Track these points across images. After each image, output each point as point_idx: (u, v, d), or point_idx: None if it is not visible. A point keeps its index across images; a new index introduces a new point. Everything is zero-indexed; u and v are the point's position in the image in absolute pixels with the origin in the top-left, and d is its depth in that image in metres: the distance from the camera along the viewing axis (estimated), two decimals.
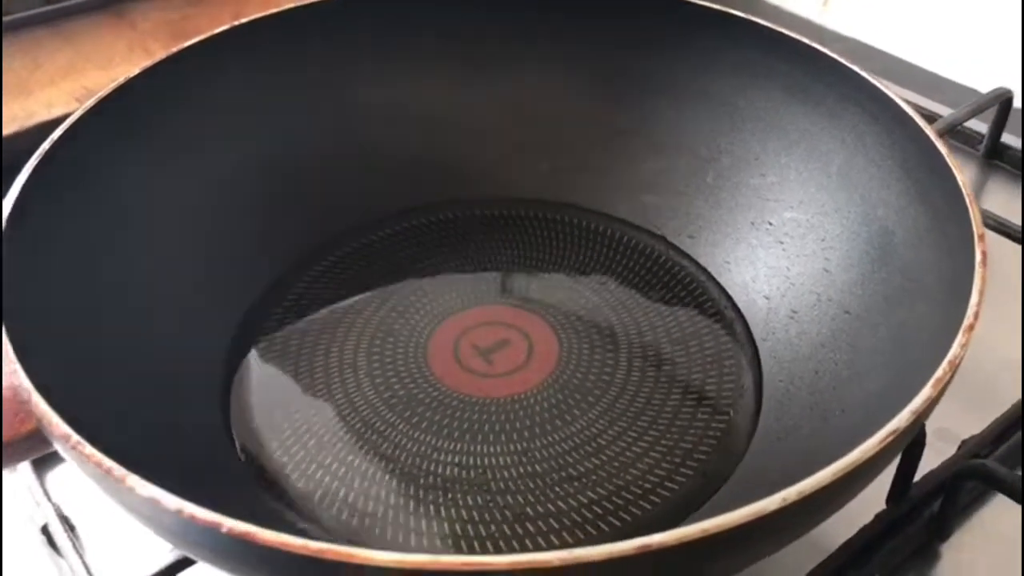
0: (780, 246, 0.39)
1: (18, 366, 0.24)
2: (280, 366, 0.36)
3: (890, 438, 0.23)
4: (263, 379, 0.36)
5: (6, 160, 0.45)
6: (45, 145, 0.32)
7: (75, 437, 0.23)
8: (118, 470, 0.22)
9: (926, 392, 0.24)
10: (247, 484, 0.32)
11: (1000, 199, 0.29)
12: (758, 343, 0.37)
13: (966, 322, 0.26)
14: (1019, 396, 0.36)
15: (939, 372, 0.24)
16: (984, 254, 0.28)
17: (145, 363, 0.32)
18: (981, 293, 0.26)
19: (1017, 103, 0.47)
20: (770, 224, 0.39)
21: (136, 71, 0.36)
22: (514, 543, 0.30)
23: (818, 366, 0.34)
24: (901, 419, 0.23)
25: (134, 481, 0.22)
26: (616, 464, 0.33)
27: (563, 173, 0.44)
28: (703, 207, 0.41)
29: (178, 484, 0.22)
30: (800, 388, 0.34)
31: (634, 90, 0.43)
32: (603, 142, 0.44)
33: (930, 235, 0.32)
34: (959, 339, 0.25)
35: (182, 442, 0.32)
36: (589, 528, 0.31)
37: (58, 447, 0.24)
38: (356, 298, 0.39)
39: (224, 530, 0.20)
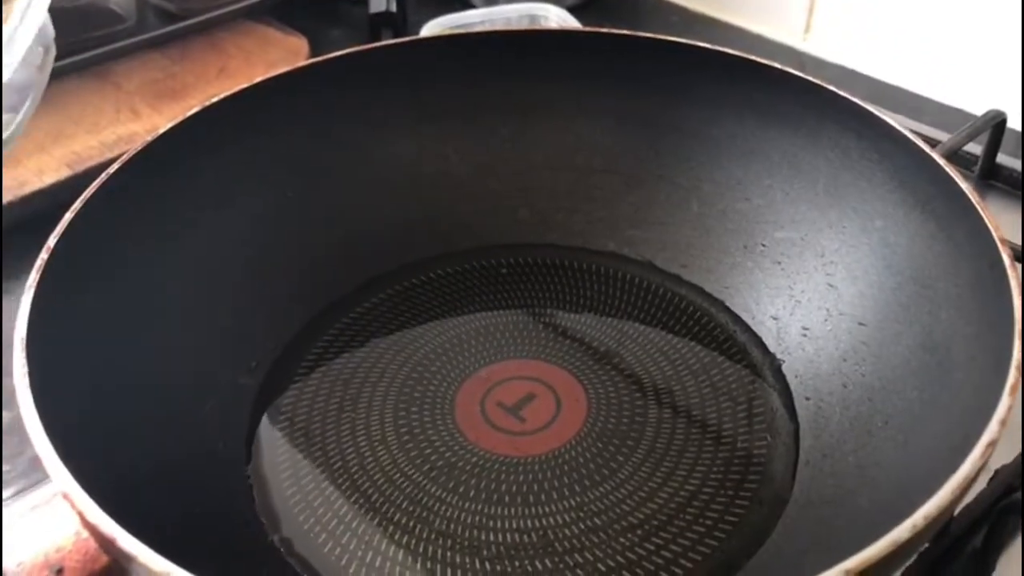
0: (778, 266, 0.40)
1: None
2: (307, 453, 0.35)
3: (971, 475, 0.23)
4: (292, 464, 0.34)
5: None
6: (60, 226, 0.31)
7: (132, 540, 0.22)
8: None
9: (1004, 402, 0.25)
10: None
11: (1000, 221, 0.29)
12: (777, 363, 0.37)
13: (1018, 325, 0.27)
14: None
15: (1011, 379, 0.25)
16: (1011, 257, 0.29)
17: (171, 448, 0.32)
18: (1021, 300, 0.27)
19: (1011, 125, 0.49)
20: (763, 246, 0.40)
21: (161, 130, 0.36)
22: None
23: (845, 380, 0.35)
24: (974, 459, 0.24)
25: None
26: (673, 505, 0.33)
27: (543, 217, 0.44)
28: (692, 235, 0.42)
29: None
30: (832, 404, 0.35)
31: (605, 129, 0.44)
32: (580, 183, 0.44)
33: (937, 241, 0.33)
34: (1017, 343, 0.26)
35: (215, 530, 0.31)
36: (664, 575, 0.30)
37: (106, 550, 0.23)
38: (367, 369, 0.38)
39: None
